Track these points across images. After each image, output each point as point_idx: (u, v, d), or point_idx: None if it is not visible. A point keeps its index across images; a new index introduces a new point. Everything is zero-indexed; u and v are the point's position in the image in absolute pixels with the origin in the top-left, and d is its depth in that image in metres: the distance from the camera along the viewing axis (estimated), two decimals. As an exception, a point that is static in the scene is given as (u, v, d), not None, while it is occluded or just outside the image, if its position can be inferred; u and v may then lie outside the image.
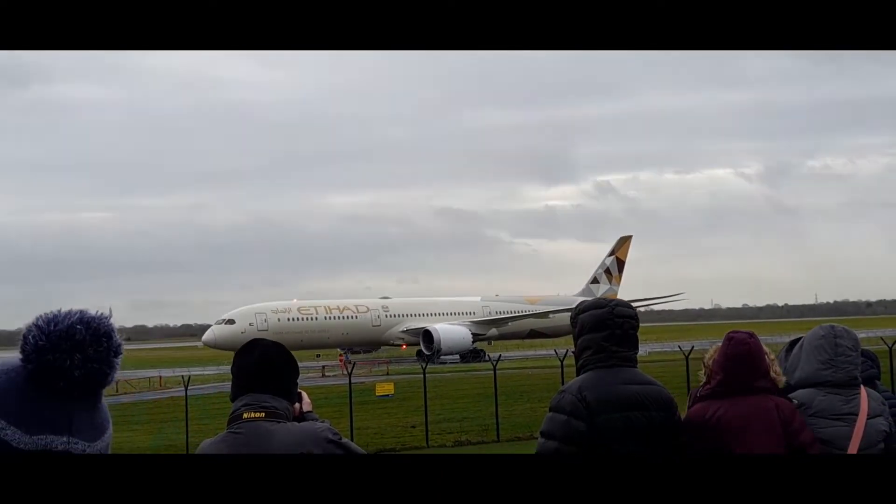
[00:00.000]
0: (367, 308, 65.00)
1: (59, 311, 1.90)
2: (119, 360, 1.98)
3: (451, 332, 62.67)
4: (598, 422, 4.55)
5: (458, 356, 61.65)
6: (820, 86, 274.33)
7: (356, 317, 63.74)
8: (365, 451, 4.12)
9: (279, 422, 3.99)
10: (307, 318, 60.83)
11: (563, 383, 25.25)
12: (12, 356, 2.85)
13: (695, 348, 31.00)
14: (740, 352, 4.88)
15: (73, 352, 1.89)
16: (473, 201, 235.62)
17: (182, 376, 30.77)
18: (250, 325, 56.66)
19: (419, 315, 66.19)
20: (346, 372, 31.45)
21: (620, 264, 78.81)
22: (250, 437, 3.93)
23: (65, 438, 1.85)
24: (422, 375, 27.13)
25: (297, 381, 4.24)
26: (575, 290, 77.58)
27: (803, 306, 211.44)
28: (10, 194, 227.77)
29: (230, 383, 4.21)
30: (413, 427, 26.51)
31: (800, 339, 5.36)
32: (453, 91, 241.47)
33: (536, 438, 4.75)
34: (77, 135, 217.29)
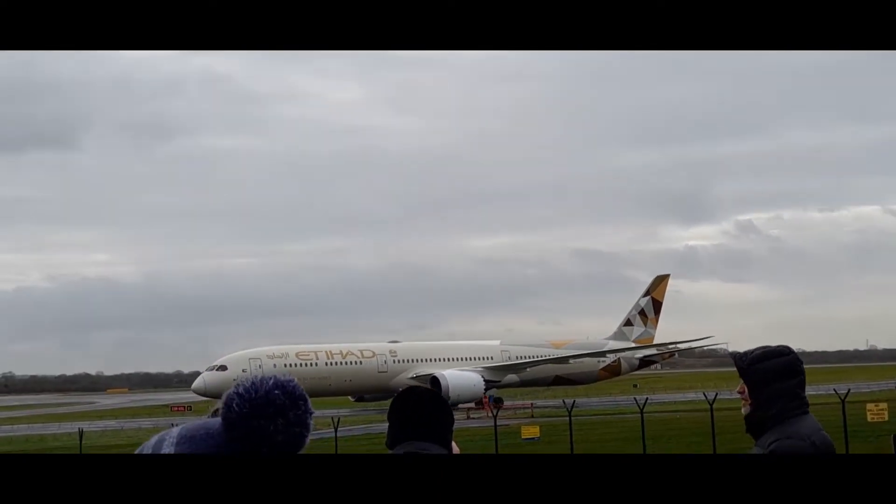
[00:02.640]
0: (374, 353, 61.92)
1: (255, 377, 1.94)
2: (312, 422, 2.02)
3: (460, 378, 58.73)
4: None
5: (472, 404, 57.79)
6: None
7: (360, 362, 60.68)
8: None
9: None
10: (306, 364, 58.11)
11: (713, 427, 24.74)
12: (204, 418, 2.95)
13: (851, 391, 29.77)
14: None
15: (276, 417, 1.91)
16: (611, 242, 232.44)
17: (332, 418, 31.33)
18: (243, 371, 52.46)
19: (431, 360, 62.70)
20: (491, 414, 31.46)
21: (657, 305, 73.35)
22: None
23: None
24: (567, 418, 26.90)
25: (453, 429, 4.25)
26: (625, 334, 71.92)
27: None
28: (164, 242, 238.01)
29: (375, 426, 4.27)
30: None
31: None
32: (586, 132, 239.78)
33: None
34: (222, 183, 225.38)
